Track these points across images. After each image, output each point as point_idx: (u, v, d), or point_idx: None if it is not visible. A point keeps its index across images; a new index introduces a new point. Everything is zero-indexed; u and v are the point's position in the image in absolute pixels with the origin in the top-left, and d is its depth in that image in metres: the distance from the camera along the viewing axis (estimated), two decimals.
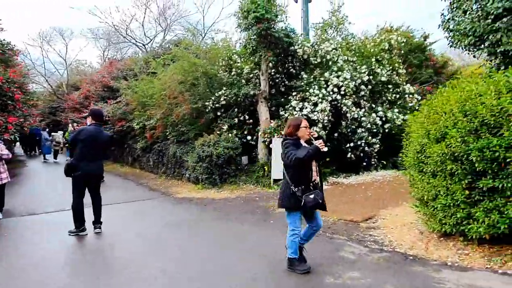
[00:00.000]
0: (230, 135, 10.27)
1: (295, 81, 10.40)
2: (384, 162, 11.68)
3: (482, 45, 4.67)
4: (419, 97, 11.20)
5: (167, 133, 11.99)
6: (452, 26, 5.22)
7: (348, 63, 10.64)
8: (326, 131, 9.92)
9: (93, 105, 17.25)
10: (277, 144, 9.43)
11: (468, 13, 4.97)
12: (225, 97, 10.62)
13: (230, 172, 9.91)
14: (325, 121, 9.73)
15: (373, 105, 10.88)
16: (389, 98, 11.20)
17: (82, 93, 20.27)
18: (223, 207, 7.66)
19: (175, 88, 11.07)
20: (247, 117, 10.87)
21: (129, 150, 16.02)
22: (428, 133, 4.67)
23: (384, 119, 10.66)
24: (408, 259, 4.17)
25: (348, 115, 9.91)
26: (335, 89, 9.94)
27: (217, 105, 10.74)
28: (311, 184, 3.80)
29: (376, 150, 10.77)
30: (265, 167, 9.74)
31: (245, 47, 10.46)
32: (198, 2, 50.22)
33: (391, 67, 10.85)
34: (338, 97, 9.93)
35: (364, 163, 10.89)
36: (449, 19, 5.47)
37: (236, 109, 10.93)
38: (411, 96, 11.25)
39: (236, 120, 10.74)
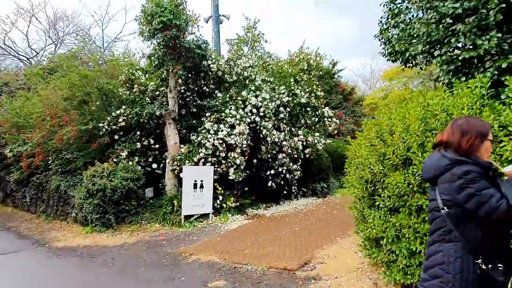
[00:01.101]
0: (130, 163, 8.44)
1: (208, 100, 9.11)
2: (304, 190, 11.03)
3: (436, 53, 4.00)
4: (337, 121, 10.86)
5: (49, 162, 9.59)
6: (396, 34, 4.52)
7: (266, 83, 9.78)
8: (245, 157, 8.77)
9: None
10: (188, 173, 7.94)
11: (413, 18, 4.33)
12: (125, 117, 8.80)
13: (130, 209, 8.01)
14: (244, 145, 8.58)
15: (293, 129, 10.14)
16: (308, 121, 10.61)
17: None
18: (117, 259, 5.81)
19: (59, 105, 8.88)
20: (152, 141, 9.18)
21: (0, 183, 12.80)
22: (382, 158, 3.74)
23: (304, 143, 9.95)
24: None
25: (268, 138, 8.89)
26: (254, 110, 8.90)
27: (114, 127, 8.84)
28: None
29: (297, 177, 9.98)
30: (174, 201, 8.10)
31: (150, 59, 8.87)
32: (96, 15, 46.53)
33: (310, 89, 10.30)
34: (257, 119, 8.90)
35: (285, 192, 10.02)
36: (388, 27, 4.79)
37: (138, 132, 9.17)
38: (330, 119, 10.84)
39: (138, 145, 8.95)
